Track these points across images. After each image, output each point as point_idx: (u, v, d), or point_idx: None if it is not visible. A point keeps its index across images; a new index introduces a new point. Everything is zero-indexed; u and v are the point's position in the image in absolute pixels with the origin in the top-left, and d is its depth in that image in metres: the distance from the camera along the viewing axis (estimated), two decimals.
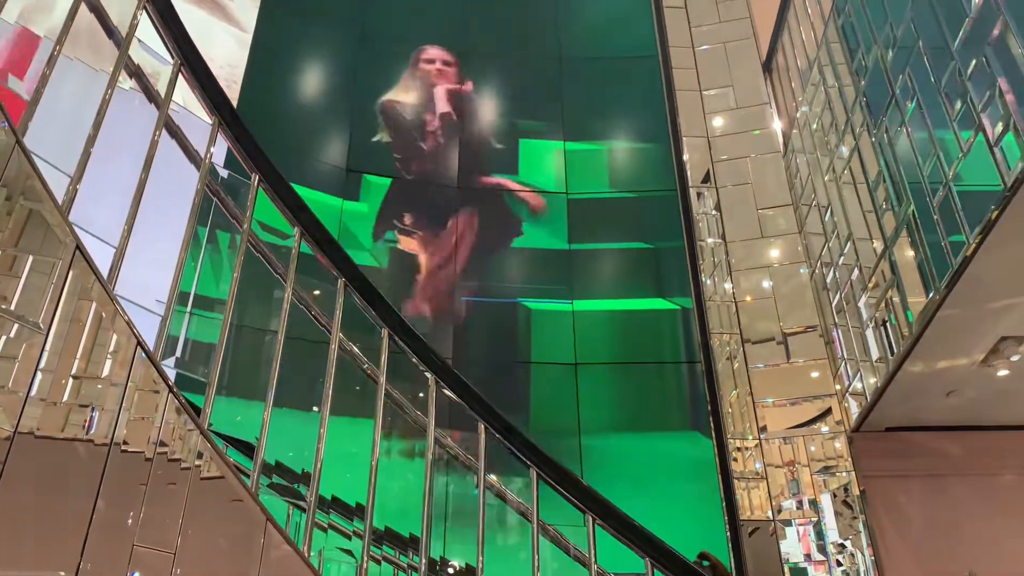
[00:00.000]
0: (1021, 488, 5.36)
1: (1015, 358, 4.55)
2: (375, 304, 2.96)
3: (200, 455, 2.70)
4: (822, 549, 5.51)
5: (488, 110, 7.39)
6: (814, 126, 6.31)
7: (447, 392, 3.10)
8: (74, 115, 2.65)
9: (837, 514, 5.53)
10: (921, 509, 5.35)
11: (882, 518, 5.44)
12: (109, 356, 2.54)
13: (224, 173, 3.45)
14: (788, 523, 5.59)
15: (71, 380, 2.27)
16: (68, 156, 2.39)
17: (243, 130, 2.78)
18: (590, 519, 2.90)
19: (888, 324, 4.94)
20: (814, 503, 5.63)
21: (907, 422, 5.43)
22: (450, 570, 4.58)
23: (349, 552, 3.69)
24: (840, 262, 5.78)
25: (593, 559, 2.94)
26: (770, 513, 5.71)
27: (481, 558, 2.91)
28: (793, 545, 5.63)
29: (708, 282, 6.70)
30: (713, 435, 6.20)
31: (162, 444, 2.64)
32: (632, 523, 2.88)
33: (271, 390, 2.78)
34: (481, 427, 3.03)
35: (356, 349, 3.23)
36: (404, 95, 7.23)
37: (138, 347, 2.49)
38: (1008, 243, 3.82)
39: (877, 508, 5.47)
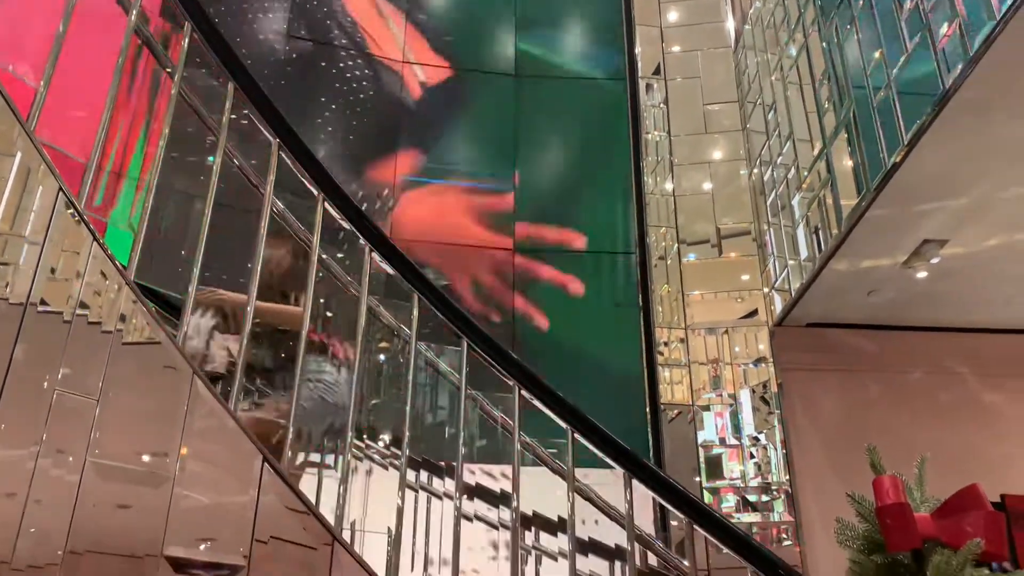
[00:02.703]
0: (927, 385, 5.66)
1: (935, 260, 4.73)
2: (309, 167, 2.90)
3: (124, 318, 2.65)
4: (738, 440, 5.78)
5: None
6: (766, 22, 6.25)
7: (384, 266, 3.10)
8: None
9: (755, 409, 5.77)
10: (834, 402, 5.62)
11: (797, 409, 5.71)
12: (33, 210, 2.45)
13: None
14: (707, 408, 5.83)
15: None
16: None
17: None
18: (516, 388, 2.97)
19: (819, 226, 5.06)
20: (734, 397, 5.87)
21: (828, 319, 5.64)
22: (380, 443, 4.68)
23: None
24: (779, 161, 5.85)
25: (518, 428, 3.03)
26: (691, 402, 5.95)
27: (407, 432, 2.97)
28: (711, 435, 5.88)
29: (649, 180, 6.74)
30: (641, 324, 6.37)
31: (83, 305, 2.58)
32: (557, 394, 2.97)
33: (200, 249, 2.74)
34: (415, 298, 3.04)
35: (292, 217, 3.19)
36: None
37: (59, 193, 2.41)
38: (940, 147, 3.91)
39: (793, 399, 5.73)
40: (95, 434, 2.38)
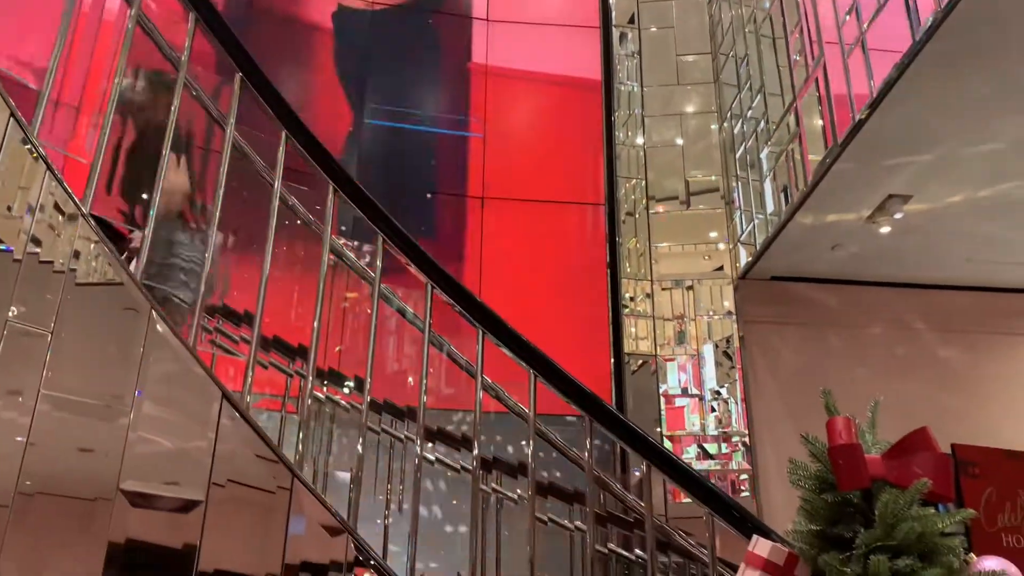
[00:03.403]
0: (885, 340, 5.76)
1: (898, 216, 4.77)
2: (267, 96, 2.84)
3: (78, 254, 2.59)
4: (700, 393, 5.85)
5: None
6: None
7: (349, 203, 3.05)
8: None
9: (717, 364, 5.83)
10: (794, 354, 5.71)
11: (758, 361, 5.79)
12: None
13: None
14: (670, 360, 5.89)
15: None
16: None
17: None
18: (480, 332, 2.97)
19: (787, 181, 5.07)
20: (697, 351, 5.93)
21: (791, 273, 5.70)
22: (345, 389, 4.66)
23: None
24: (749, 115, 5.84)
25: (480, 370, 3.04)
26: (655, 352, 6.00)
27: (369, 379, 2.96)
28: (673, 387, 5.95)
29: (620, 133, 6.70)
30: (608, 276, 6.39)
31: (35, 241, 2.52)
32: (521, 338, 2.98)
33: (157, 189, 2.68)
34: (379, 240, 3.01)
35: (248, 149, 3.12)
36: None
37: (11, 119, 2.33)
38: (907, 101, 3.92)
39: (754, 351, 5.80)
40: (47, 373, 2.34)
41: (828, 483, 1.91)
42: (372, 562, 2.54)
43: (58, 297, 2.45)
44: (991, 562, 1.77)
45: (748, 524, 2.63)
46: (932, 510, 1.83)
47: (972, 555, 1.80)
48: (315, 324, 2.85)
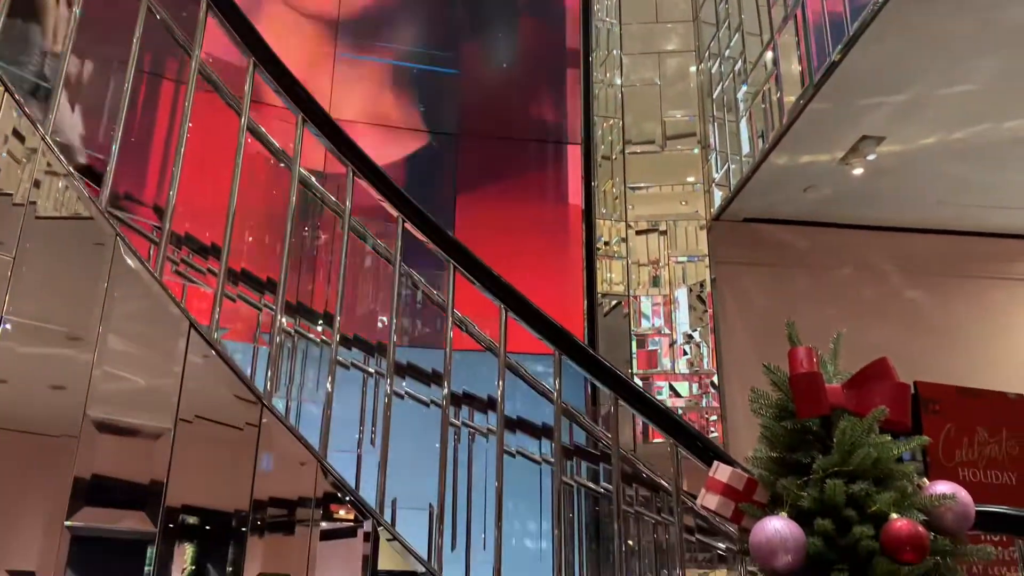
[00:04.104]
0: (854, 282, 5.83)
1: (871, 157, 4.79)
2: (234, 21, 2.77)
3: (38, 184, 2.54)
4: (671, 336, 5.90)
5: None
6: None
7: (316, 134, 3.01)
8: None
9: (690, 307, 5.87)
10: (765, 296, 5.76)
11: (728, 303, 5.84)
12: None
13: None
14: (643, 302, 5.93)
15: None
16: None
17: None
18: (451, 266, 2.96)
19: (763, 121, 5.06)
20: (671, 295, 5.96)
21: (764, 215, 5.72)
22: (318, 327, 4.64)
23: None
24: (727, 55, 5.79)
25: (451, 306, 3.04)
26: (627, 293, 6.03)
27: (339, 316, 2.95)
28: (645, 329, 5.99)
29: (597, 72, 6.62)
30: (583, 216, 6.38)
31: None
32: (492, 272, 2.97)
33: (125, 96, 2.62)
34: (349, 171, 2.97)
35: (216, 78, 3.06)
36: None
37: None
38: (885, 38, 3.90)
39: (725, 293, 5.85)
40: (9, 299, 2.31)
41: (788, 411, 1.95)
42: (343, 495, 2.56)
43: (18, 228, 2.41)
44: (943, 486, 1.81)
45: (711, 455, 2.67)
46: (888, 437, 1.87)
47: (925, 480, 1.85)
48: (284, 255, 2.83)
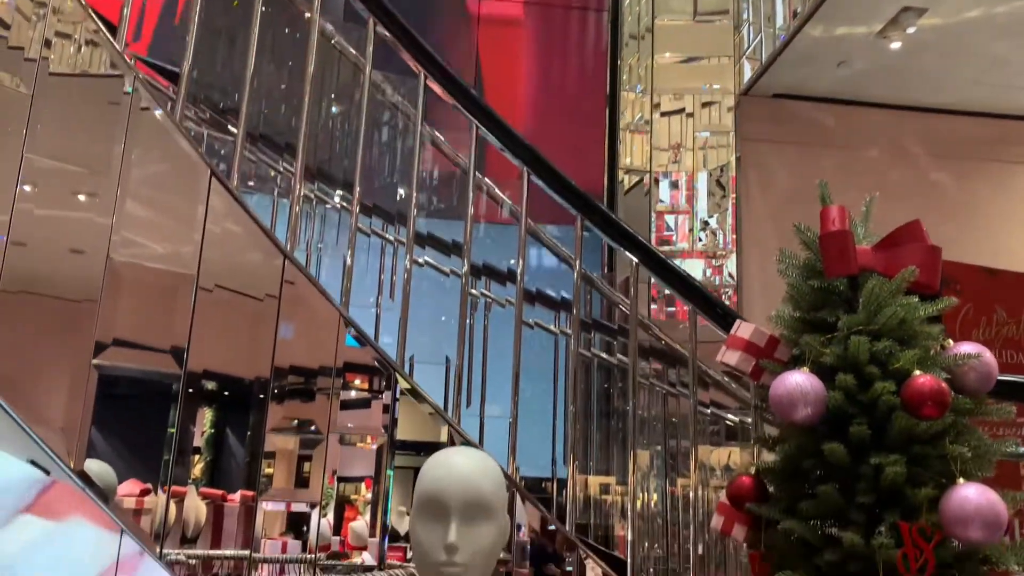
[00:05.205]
0: (880, 164, 5.71)
1: (911, 30, 4.60)
2: None
3: (48, 43, 2.45)
4: (690, 213, 5.83)
5: None
6: None
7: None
8: None
9: (709, 193, 5.79)
10: (788, 175, 5.66)
11: (752, 182, 5.75)
12: None
13: None
14: (663, 179, 5.84)
15: None
16: None
17: None
18: (473, 126, 2.90)
19: None
20: (692, 177, 5.86)
21: (794, 90, 5.56)
22: (336, 196, 4.59)
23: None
24: None
25: (473, 168, 2.99)
26: (650, 170, 5.94)
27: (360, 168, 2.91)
28: (664, 206, 5.93)
29: None
30: (607, 91, 6.23)
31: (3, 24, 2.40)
32: (514, 133, 2.91)
33: None
34: (371, 23, 2.87)
35: None
36: None
37: None
38: None
39: (749, 173, 5.76)
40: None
41: (816, 271, 1.93)
42: (363, 363, 2.58)
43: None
44: (968, 346, 1.81)
45: (730, 321, 2.67)
46: (916, 298, 1.85)
47: (950, 340, 1.84)
48: (304, 114, 2.77)
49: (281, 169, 3.98)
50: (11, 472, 2.07)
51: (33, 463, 2.32)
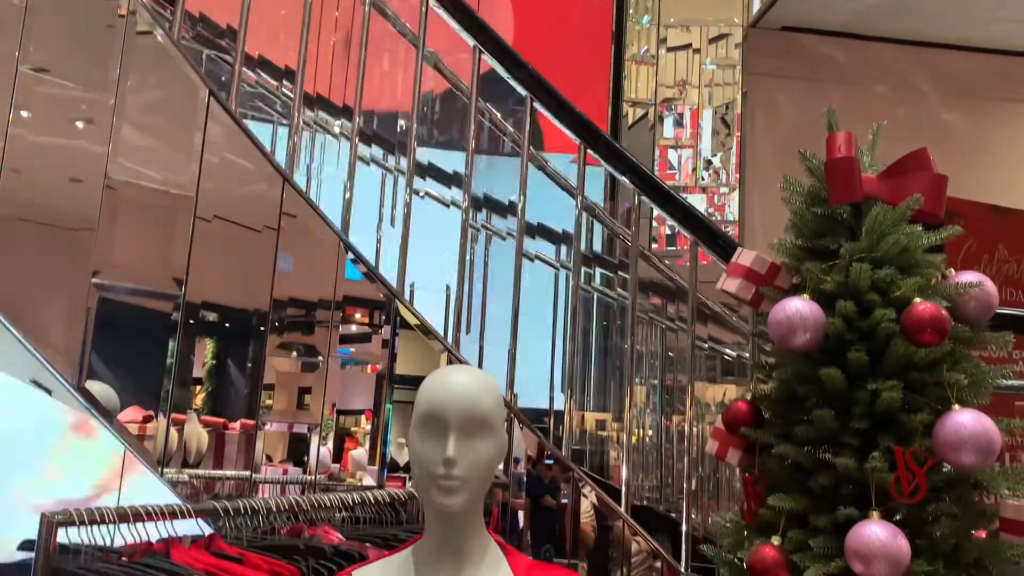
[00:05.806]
0: (888, 100, 5.63)
1: None
2: None
3: None
4: (693, 161, 5.77)
5: None
6: None
7: None
8: None
9: (714, 132, 5.71)
10: (794, 111, 5.59)
11: (758, 117, 5.68)
12: None
13: None
14: (669, 117, 5.76)
15: None
16: None
17: None
18: (477, 51, 2.85)
19: None
20: (698, 114, 5.77)
21: (803, 23, 5.45)
22: (336, 126, 4.53)
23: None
24: None
25: (475, 90, 2.95)
26: (655, 102, 5.86)
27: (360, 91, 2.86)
28: (668, 140, 5.86)
29: None
30: (613, 21, 6.11)
31: None
32: (515, 56, 2.86)
33: None
34: None
35: None
36: None
37: None
38: None
39: (755, 108, 5.68)
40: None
41: (820, 198, 1.91)
42: (362, 296, 2.57)
43: None
44: (969, 275, 1.80)
45: (731, 253, 2.66)
46: (920, 227, 1.84)
47: (951, 270, 1.84)
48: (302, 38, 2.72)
49: (280, 95, 3.93)
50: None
51: (35, 383, 2.34)
